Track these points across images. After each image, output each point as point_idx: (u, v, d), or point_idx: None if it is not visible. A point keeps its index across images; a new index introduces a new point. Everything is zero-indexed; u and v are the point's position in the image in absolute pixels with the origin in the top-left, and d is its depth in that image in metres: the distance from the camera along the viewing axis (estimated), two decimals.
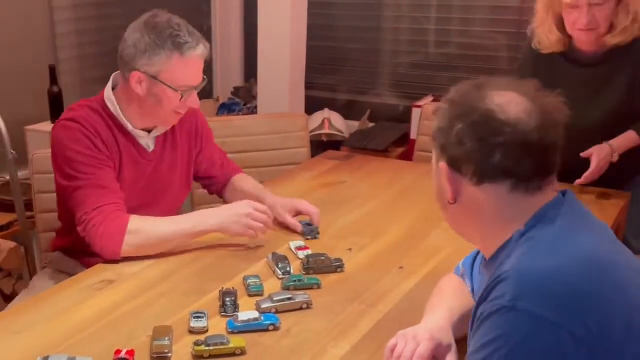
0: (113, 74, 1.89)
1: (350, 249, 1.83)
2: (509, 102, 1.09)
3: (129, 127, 1.86)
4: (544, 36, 2.25)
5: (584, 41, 2.20)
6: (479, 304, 1.07)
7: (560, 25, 2.23)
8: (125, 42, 1.79)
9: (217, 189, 2.18)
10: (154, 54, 1.75)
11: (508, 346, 0.98)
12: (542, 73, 2.17)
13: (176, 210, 2.02)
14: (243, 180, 2.16)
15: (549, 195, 1.12)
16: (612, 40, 2.14)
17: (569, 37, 2.23)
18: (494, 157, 1.07)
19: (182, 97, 1.81)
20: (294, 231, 1.94)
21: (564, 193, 1.14)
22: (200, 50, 1.80)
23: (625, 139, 2.19)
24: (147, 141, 1.92)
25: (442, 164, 1.14)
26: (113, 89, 1.88)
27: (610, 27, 2.14)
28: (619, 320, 0.98)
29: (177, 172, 2.01)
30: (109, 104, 1.86)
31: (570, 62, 2.21)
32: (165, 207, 1.95)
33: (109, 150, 1.83)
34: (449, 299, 1.39)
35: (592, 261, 1.03)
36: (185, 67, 1.79)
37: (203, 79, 1.86)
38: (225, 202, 2.13)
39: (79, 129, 1.79)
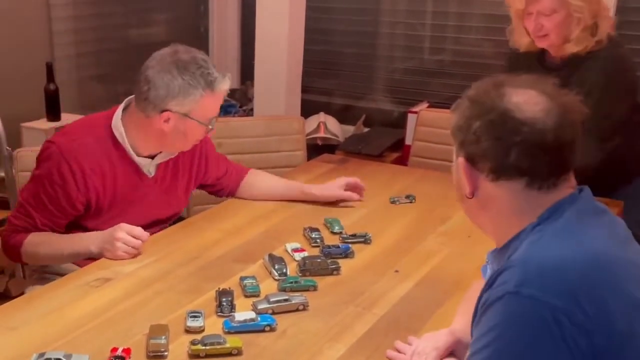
0: (126, 100, 1.89)
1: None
2: (527, 101, 1.10)
3: (135, 158, 1.89)
4: (517, 37, 2.37)
5: (543, 46, 2.29)
6: (484, 291, 1.10)
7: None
8: (153, 83, 1.77)
9: (229, 194, 2.22)
10: (187, 95, 1.78)
11: (511, 330, 1.00)
12: (520, 72, 2.22)
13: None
14: (261, 179, 2.22)
15: (564, 191, 1.13)
16: (570, 49, 2.22)
17: None
18: (510, 156, 1.09)
19: (211, 128, 1.88)
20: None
21: (580, 190, 1.15)
22: (227, 85, 1.86)
23: None
24: (149, 168, 1.94)
25: (461, 159, 1.16)
26: (122, 117, 1.87)
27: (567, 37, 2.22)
28: (620, 314, 1.00)
29: (175, 194, 2.04)
30: (116, 133, 1.87)
31: (540, 64, 2.33)
32: (158, 225, 2.02)
33: (89, 190, 1.83)
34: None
35: (596, 255, 1.05)
36: (214, 102, 1.85)
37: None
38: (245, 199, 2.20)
39: (59, 167, 1.80)
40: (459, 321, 1.39)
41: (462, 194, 1.20)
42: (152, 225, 1.98)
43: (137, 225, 1.83)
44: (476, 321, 1.11)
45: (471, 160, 1.14)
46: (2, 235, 1.92)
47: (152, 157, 1.93)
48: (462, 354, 1.32)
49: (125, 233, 1.75)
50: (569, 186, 1.14)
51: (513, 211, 1.13)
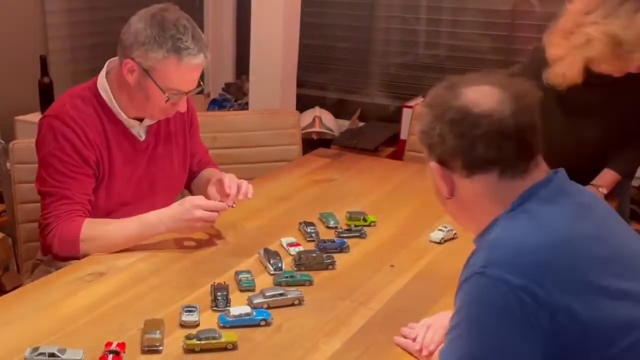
0: (108, 61, 1.87)
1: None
2: (482, 95, 1.16)
3: (122, 116, 1.85)
4: (564, 68, 2.09)
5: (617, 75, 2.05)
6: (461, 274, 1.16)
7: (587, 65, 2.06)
8: (129, 27, 1.76)
9: (187, 183, 2.15)
10: (151, 50, 1.72)
11: (477, 308, 1.07)
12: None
13: (173, 201, 2.01)
14: (206, 171, 2.13)
15: (537, 175, 1.18)
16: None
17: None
18: (477, 149, 1.15)
19: (168, 99, 1.78)
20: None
21: (556, 172, 1.20)
22: (199, 60, 1.76)
23: (609, 179, 2.24)
24: (139, 130, 1.91)
25: (433, 164, 1.21)
26: (106, 75, 1.86)
27: None
28: (581, 299, 1.04)
29: (173, 162, 2.00)
30: (102, 92, 1.84)
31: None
32: (162, 199, 1.94)
33: (94, 148, 1.81)
34: None
35: (561, 238, 1.10)
36: (179, 72, 1.75)
37: (199, 84, 1.84)
38: (191, 193, 2.11)
39: (61, 131, 1.78)
40: None
41: (442, 197, 1.25)
42: (155, 198, 1.93)
43: (140, 196, 1.82)
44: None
45: (443, 162, 1.19)
46: (49, 233, 1.76)
47: (141, 121, 1.90)
48: None
49: (197, 207, 1.73)
50: (541, 170, 1.18)
51: (491, 202, 1.18)
